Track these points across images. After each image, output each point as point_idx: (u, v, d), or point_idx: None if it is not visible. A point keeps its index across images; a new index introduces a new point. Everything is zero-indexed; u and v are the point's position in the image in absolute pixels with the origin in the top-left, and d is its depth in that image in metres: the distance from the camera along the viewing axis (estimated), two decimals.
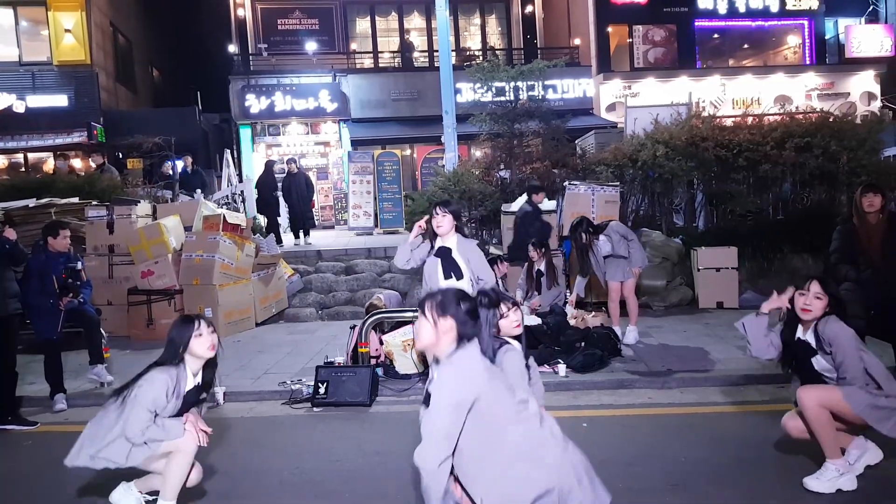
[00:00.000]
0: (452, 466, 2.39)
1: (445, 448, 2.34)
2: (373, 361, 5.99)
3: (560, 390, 5.54)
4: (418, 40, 20.81)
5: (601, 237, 6.56)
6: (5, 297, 5.18)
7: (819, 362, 3.62)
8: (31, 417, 5.34)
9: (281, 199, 12.58)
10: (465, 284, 4.67)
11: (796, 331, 3.70)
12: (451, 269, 4.85)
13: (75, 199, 9.11)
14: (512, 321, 3.29)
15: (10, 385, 5.28)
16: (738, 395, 5.30)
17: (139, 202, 8.86)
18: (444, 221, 4.86)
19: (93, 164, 12.39)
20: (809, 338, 3.63)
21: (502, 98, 11.70)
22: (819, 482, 3.53)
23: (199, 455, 3.57)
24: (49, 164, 17.22)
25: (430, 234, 4.99)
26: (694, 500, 3.54)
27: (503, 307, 3.21)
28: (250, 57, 19.03)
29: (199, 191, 11.64)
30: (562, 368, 5.79)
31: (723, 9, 19.55)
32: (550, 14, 21.75)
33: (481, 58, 15.79)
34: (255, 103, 17.49)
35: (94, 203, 8.94)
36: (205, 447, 3.48)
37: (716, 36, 20.56)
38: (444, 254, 4.90)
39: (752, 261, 8.95)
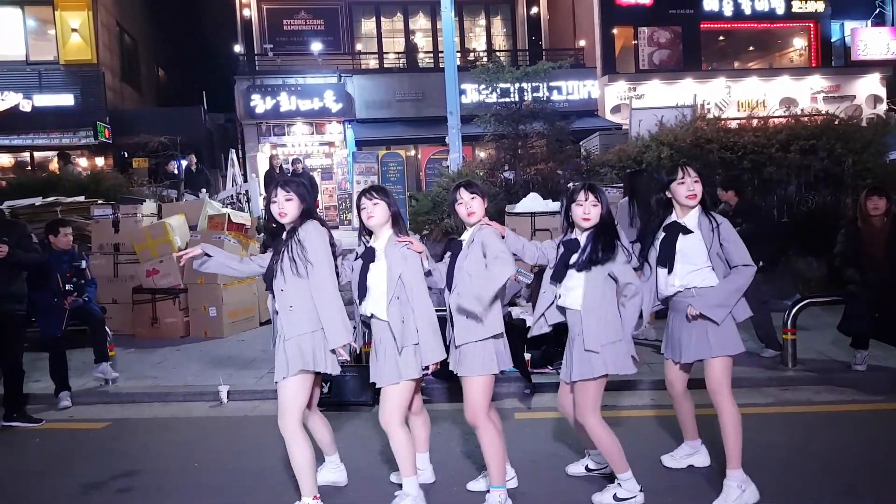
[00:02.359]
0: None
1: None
2: None
3: None
4: (423, 41, 20.84)
5: None
6: (12, 296, 5.19)
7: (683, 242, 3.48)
8: (35, 415, 5.36)
9: None
10: (377, 306, 3.38)
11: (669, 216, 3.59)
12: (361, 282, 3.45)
13: (81, 198, 9.16)
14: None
15: (16, 382, 5.31)
16: (740, 398, 5.27)
17: (144, 201, 8.90)
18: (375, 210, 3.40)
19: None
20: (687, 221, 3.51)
21: (507, 99, 11.68)
22: None
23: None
24: (55, 164, 17.31)
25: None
26: (694, 501, 3.54)
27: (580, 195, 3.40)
28: (256, 57, 19.09)
29: (204, 190, 11.68)
30: None
31: (728, 11, 19.53)
32: (555, 15, 21.74)
33: (486, 59, 15.80)
34: (260, 103, 17.53)
35: (100, 202, 8.98)
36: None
37: (721, 38, 20.53)
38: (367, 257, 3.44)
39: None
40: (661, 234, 3.55)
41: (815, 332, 6.58)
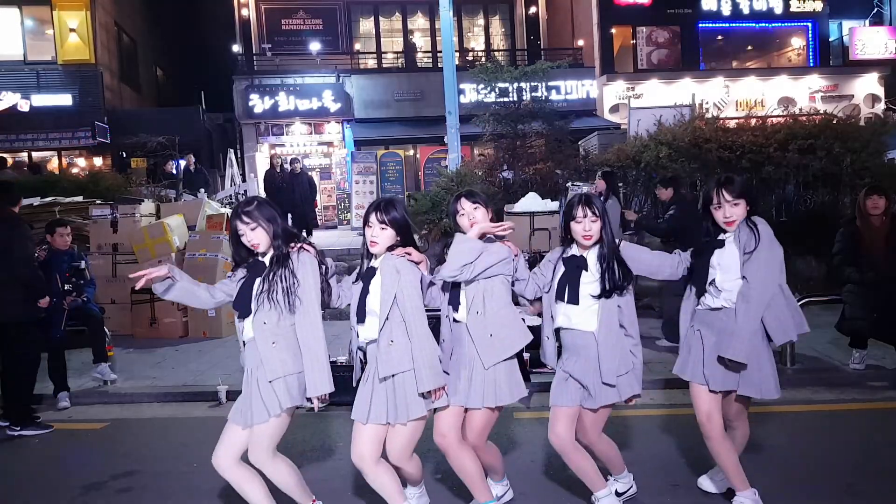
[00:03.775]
0: None
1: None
2: None
3: None
4: (422, 41, 20.82)
5: None
6: (13, 302, 5.13)
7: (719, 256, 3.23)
8: (35, 415, 5.32)
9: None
10: (373, 330, 3.02)
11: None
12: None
13: (80, 198, 9.15)
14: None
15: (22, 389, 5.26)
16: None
17: (143, 201, 8.89)
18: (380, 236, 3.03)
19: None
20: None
21: (505, 99, 11.70)
22: None
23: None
24: (54, 163, 17.30)
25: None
26: (694, 501, 3.54)
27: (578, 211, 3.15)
28: (254, 57, 19.07)
29: (202, 190, 11.67)
30: None
31: (727, 10, 19.53)
32: (554, 15, 21.74)
33: (485, 58, 15.80)
34: (258, 103, 17.51)
35: (99, 202, 8.97)
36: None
37: (719, 37, 20.53)
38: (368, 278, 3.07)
39: None
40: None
41: (814, 332, 6.51)
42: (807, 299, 5.87)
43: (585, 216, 3.12)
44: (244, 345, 3.04)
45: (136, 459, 4.45)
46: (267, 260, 3.04)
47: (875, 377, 5.56)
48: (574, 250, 3.22)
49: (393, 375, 2.95)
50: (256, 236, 2.99)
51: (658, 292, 8.46)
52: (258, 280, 2.99)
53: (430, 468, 3.91)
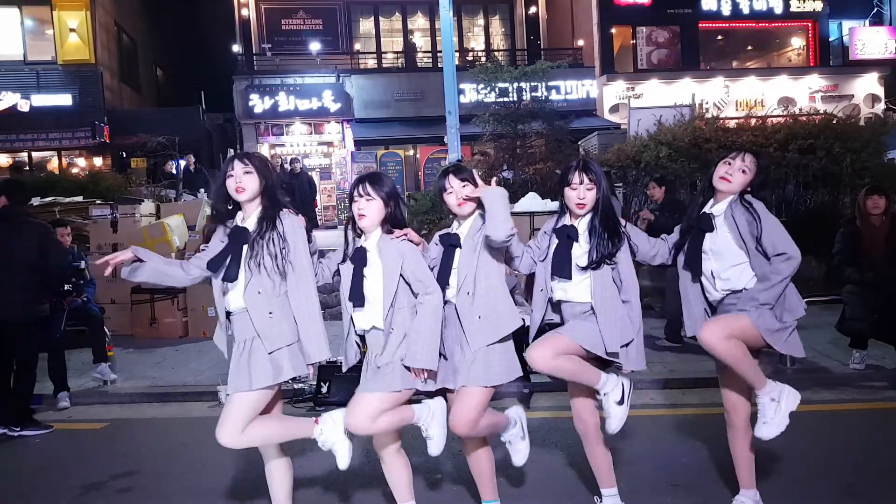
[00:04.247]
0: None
1: None
2: None
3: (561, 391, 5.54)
4: (422, 41, 20.84)
5: None
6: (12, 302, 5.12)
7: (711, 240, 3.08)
8: (35, 416, 5.33)
9: None
10: (374, 316, 2.94)
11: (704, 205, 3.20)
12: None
13: (80, 198, 9.15)
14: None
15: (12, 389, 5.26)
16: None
17: (143, 201, 8.89)
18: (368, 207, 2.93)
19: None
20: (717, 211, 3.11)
21: (505, 99, 11.71)
22: (769, 425, 3.04)
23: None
24: (54, 163, 17.30)
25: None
26: (694, 501, 3.54)
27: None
28: (254, 57, 19.08)
29: (202, 190, 11.67)
30: None
31: (726, 10, 19.54)
32: (554, 15, 21.75)
33: (485, 58, 15.80)
34: (258, 103, 17.52)
35: (98, 202, 8.97)
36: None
37: (719, 37, 20.55)
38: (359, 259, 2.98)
39: None
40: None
41: (814, 332, 6.57)
42: (807, 299, 5.84)
43: (581, 182, 2.97)
44: (228, 316, 2.87)
45: (136, 459, 4.45)
46: (250, 224, 2.86)
47: (875, 377, 5.56)
48: (566, 219, 3.09)
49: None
50: (247, 181, 2.83)
51: (659, 292, 8.47)
52: (245, 247, 2.81)
53: (429, 468, 3.91)
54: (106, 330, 6.28)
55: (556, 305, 3.11)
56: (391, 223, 2.92)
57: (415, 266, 2.84)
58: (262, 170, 2.87)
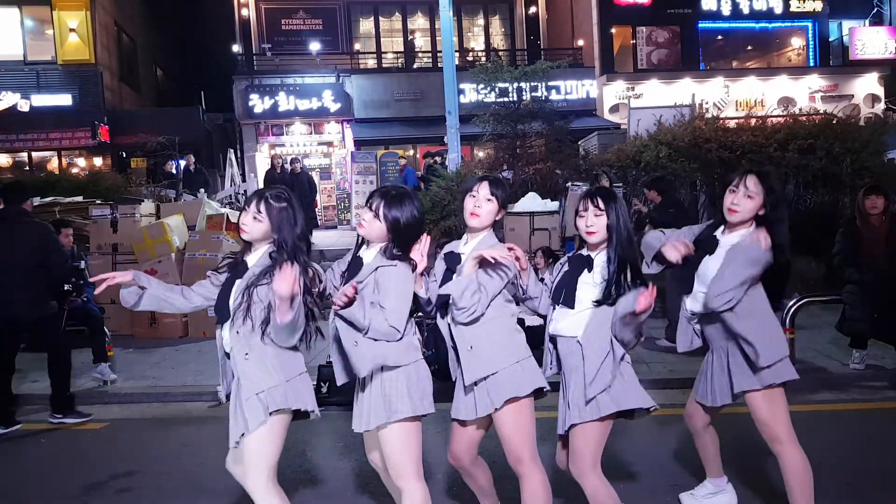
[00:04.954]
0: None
1: None
2: None
3: None
4: (422, 41, 20.84)
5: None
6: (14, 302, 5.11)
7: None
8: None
9: None
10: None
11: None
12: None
13: (79, 198, 9.15)
14: None
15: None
16: (740, 397, 5.28)
17: (143, 201, 8.89)
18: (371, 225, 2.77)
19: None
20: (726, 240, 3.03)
21: (505, 99, 11.70)
22: (695, 498, 3.41)
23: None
24: (54, 163, 17.30)
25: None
26: None
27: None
28: (254, 57, 19.09)
29: (202, 190, 11.68)
30: None
31: (726, 10, 19.55)
32: (554, 15, 21.76)
33: (485, 58, 15.80)
34: (258, 103, 17.53)
35: (98, 202, 8.97)
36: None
37: (719, 37, 20.55)
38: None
39: None
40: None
41: (814, 332, 6.58)
42: (807, 299, 5.88)
43: (587, 210, 2.80)
44: (228, 356, 2.71)
45: (136, 459, 4.45)
46: (251, 260, 2.71)
47: (875, 377, 5.56)
48: (584, 250, 2.91)
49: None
50: (252, 227, 2.66)
51: (659, 293, 8.47)
52: (238, 283, 2.66)
53: (445, 481, 3.91)
54: (106, 330, 6.28)
55: (552, 340, 2.92)
56: (396, 246, 2.70)
57: (382, 296, 2.61)
58: (277, 224, 2.64)
